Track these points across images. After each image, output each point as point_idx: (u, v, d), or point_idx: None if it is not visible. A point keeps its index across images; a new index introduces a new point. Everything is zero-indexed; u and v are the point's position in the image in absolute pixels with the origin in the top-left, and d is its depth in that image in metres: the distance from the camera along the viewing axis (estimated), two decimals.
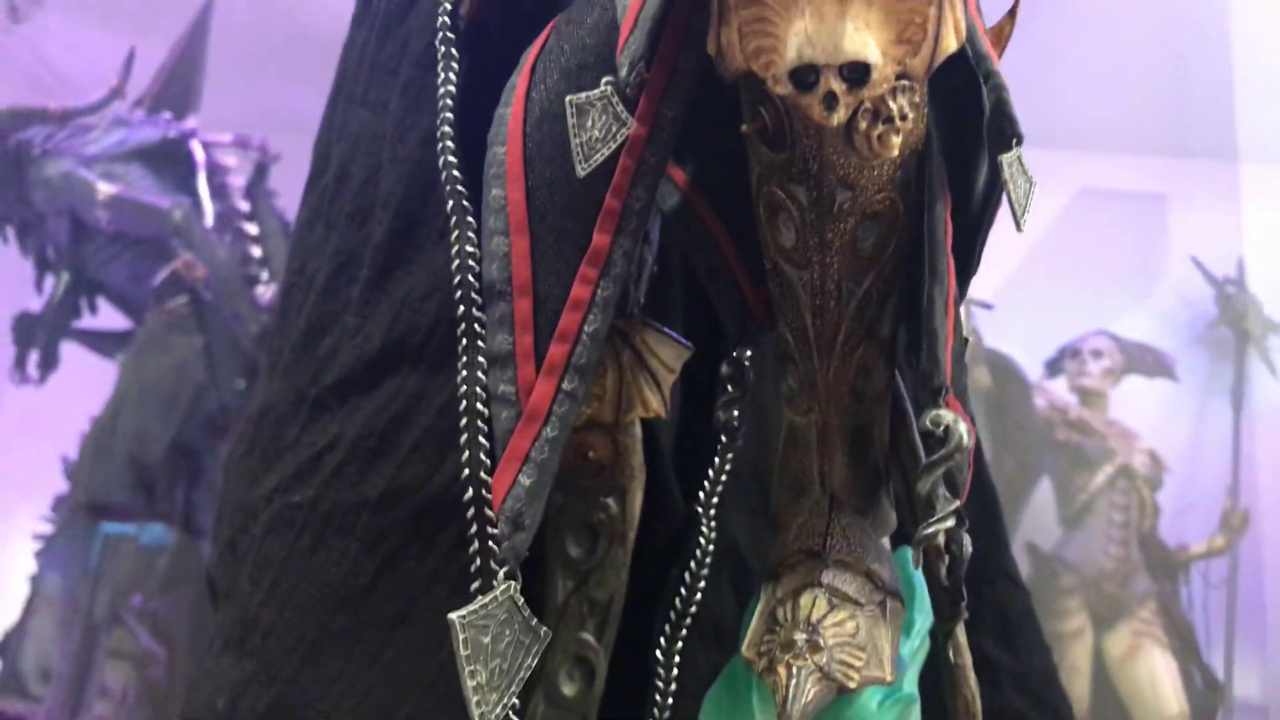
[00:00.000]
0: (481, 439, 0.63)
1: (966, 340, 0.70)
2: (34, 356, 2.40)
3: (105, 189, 2.16)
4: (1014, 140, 0.61)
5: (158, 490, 2.12)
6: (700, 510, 0.78)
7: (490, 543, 0.59)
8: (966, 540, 0.61)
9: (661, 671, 0.74)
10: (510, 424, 0.61)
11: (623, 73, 0.58)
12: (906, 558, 0.66)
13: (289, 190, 2.58)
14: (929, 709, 0.65)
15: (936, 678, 0.64)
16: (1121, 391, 2.51)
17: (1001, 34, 0.80)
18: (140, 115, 2.43)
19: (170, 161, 2.35)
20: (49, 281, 2.36)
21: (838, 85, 0.54)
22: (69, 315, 2.41)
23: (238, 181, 2.42)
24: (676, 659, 0.75)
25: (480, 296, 0.67)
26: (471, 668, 0.54)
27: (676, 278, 0.80)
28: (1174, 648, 2.07)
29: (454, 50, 0.77)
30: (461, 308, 0.68)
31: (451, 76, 0.77)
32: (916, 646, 0.67)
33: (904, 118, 0.58)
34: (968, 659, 0.64)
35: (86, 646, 2.06)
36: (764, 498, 0.73)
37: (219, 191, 2.39)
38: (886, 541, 0.66)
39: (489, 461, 0.62)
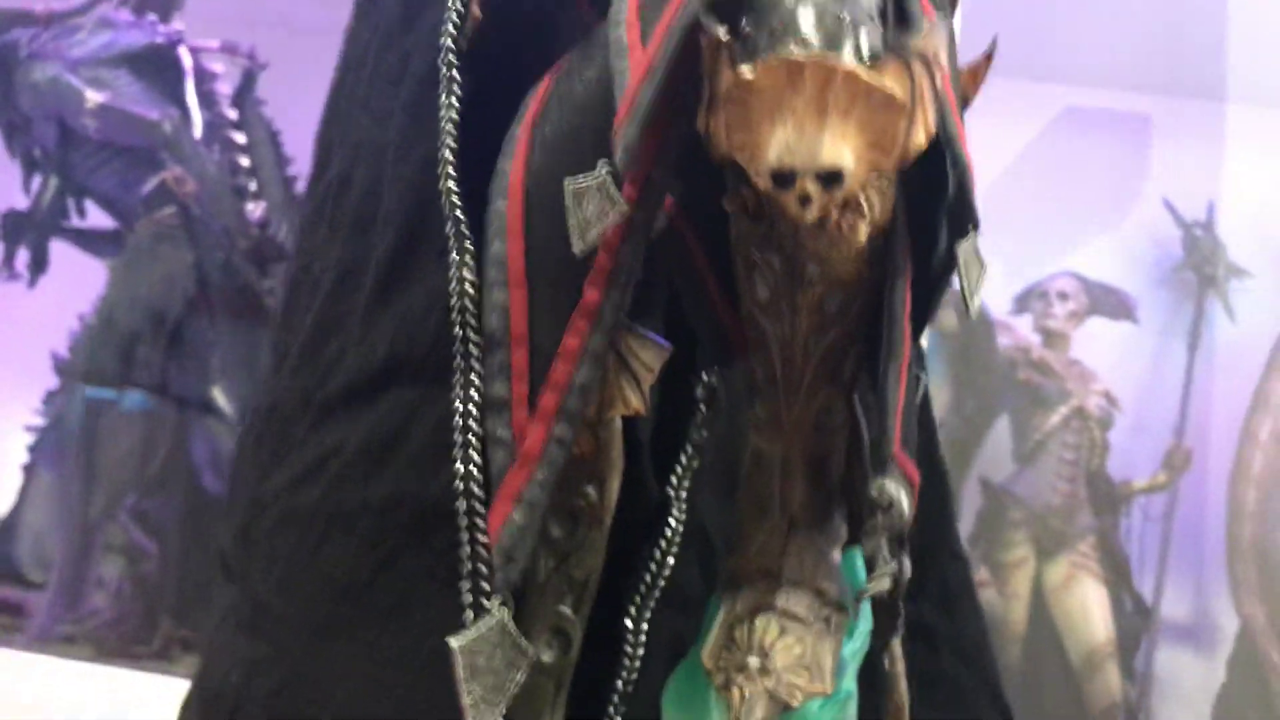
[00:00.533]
0: (474, 469, 0.71)
1: (920, 383, 0.78)
2: (22, 255, 2.44)
3: (94, 97, 2.17)
4: (971, 227, 0.68)
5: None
6: (672, 494, 0.86)
7: (483, 571, 0.67)
8: (906, 564, 0.70)
9: (630, 638, 0.84)
10: (504, 465, 0.69)
11: (617, 157, 0.64)
12: (855, 561, 0.75)
13: (277, 96, 2.59)
14: (867, 701, 0.75)
15: (875, 669, 0.75)
16: (1084, 331, 2.61)
17: (976, 76, 0.86)
18: (127, 16, 2.42)
19: (157, 67, 2.36)
20: (36, 182, 2.39)
21: (813, 188, 0.61)
22: (57, 216, 2.45)
23: (225, 89, 2.43)
24: (645, 626, 0.85)
25: (476, 320, 0.74)
26: (468, 686, 0.63)
27: (660, 279, 0.87)
28: (1108, 579, 2.22)
29: (456, 74, 0.82)
30: (458, 330, 0.75)
31: (454, 101, 0.82)
32: (858, 647, 0.77)
33: (873, 208, 0.64)
34: (901, 667, 0.74)
35: (83, 541, 2.17)
36: (729, 480, 0.82)
37: (206, 99, 2.40)
38: (837, 553, 0.75)
39: (483, 495, 0.70)
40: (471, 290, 0.75)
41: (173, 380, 2.17)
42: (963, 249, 0.66)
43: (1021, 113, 3.05)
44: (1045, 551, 2.32)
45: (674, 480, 0.90)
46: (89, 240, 2.45)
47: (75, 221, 2.43)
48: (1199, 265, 2.77)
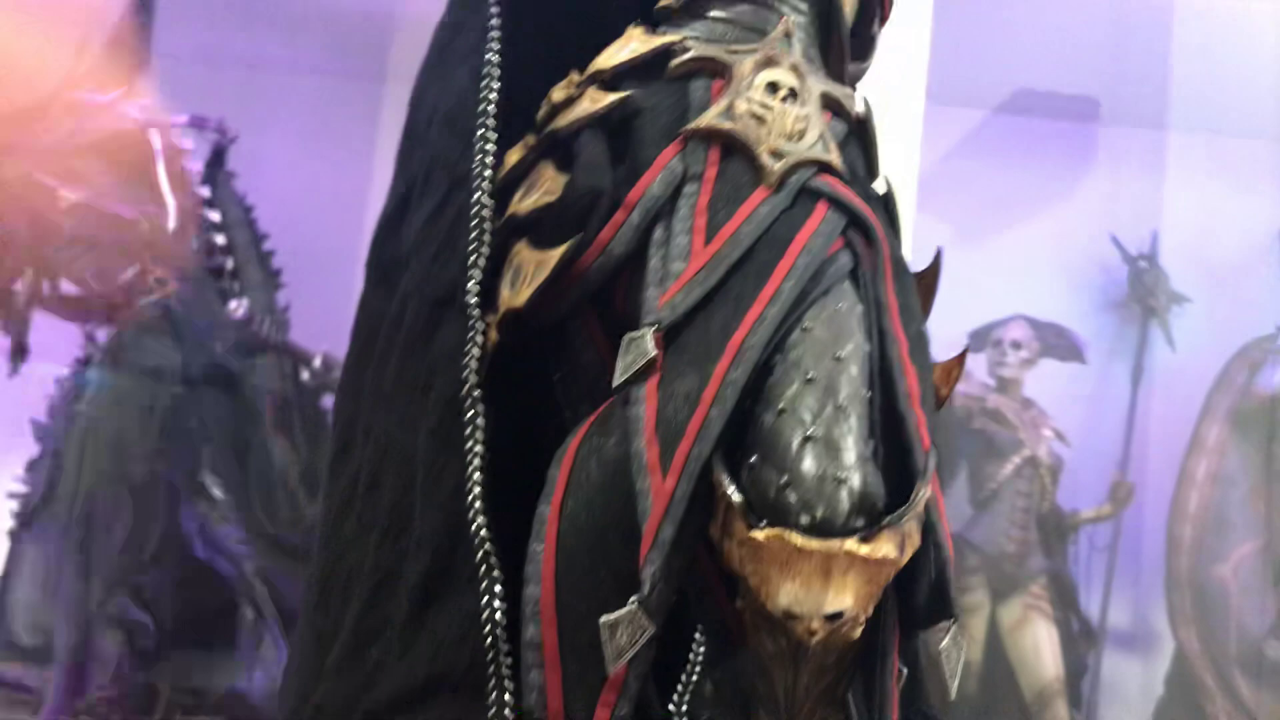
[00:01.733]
0: None
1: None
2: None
3: (68, 197, 2.18)
4: (949, 618, 0.80)
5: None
6: (673, 710, 0.98)
7: None
8: None
9: None
10: None
11: (645, 589, 0.75)
12: None
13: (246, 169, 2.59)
14: None
15: None
16: (1034, 373, 2.76)
17: (950, 375, 0.97)
18: (92, 96, 2.41)
19: (127, 150, 2.36)
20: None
21: (818, 624, 0.73)
22: (34, 300, 2.46)
23: (195, 165, 2.44)
24: None
25: (507, 644, 0.84)
26: None
27: None
28: (1058, 618, 2.40)
29: (480, 408, 0.90)
30: (491, 655, 0.85)
31: (479, 435, 0.90)
32: None
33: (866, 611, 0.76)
34: None
35: (84, 628, 2.25)
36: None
37: (177, 180, 2.41)
38: None
39: None
40: (501, 618, 0.86)
41: (162, 468, 2.23)
42: (943, 645, 0.78)
43: (965, 139, 3.15)
44: (999, 594, 2.50)
45: (675, 699, 1.02)
46: (66, 306, 2.48)
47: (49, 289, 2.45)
48: (1143, 297, 2.92)
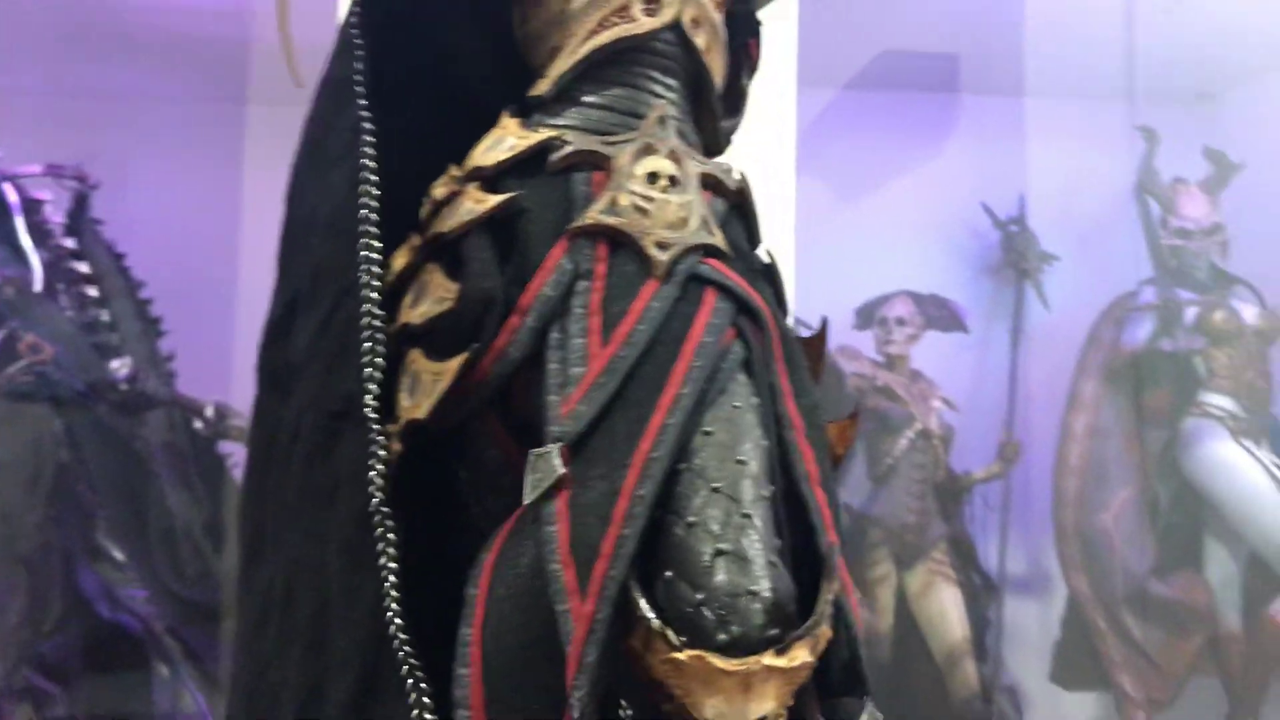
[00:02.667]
0: None
1: None
2: None
3: None
4: (864, 693, 0.85)
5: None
6: None
7: None
8: None
9: None
10: None
11: (575, 713, 0.77)
12: None
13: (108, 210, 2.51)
14: None
15: None
16: (920, 346, 2.87)
17: (845, 435, 1.03)
18: None
19: None
20: None
21: None
22: None
23: (57, 216, 2.37)
24: None
25: None
26: None
27: None
28: (960, 581, 2.53)
29: (389, 523, 0.92)
30: None
31: (390, 547, 0.92)
32: None
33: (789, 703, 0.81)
34: None
35: None
36: None
37: (38, 232, 2.34)
38: None
39: None
40: None
41: (55, 537, 2.17)
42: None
43: (839, 118, 3.23)
44: (904, 563, 2.62)
45: None
46: None
47: None
48: (1016, 261, 3.05)
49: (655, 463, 0.82)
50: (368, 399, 0.93)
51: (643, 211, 0.93)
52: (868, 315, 2.90)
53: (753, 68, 1.17)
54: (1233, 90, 3.19)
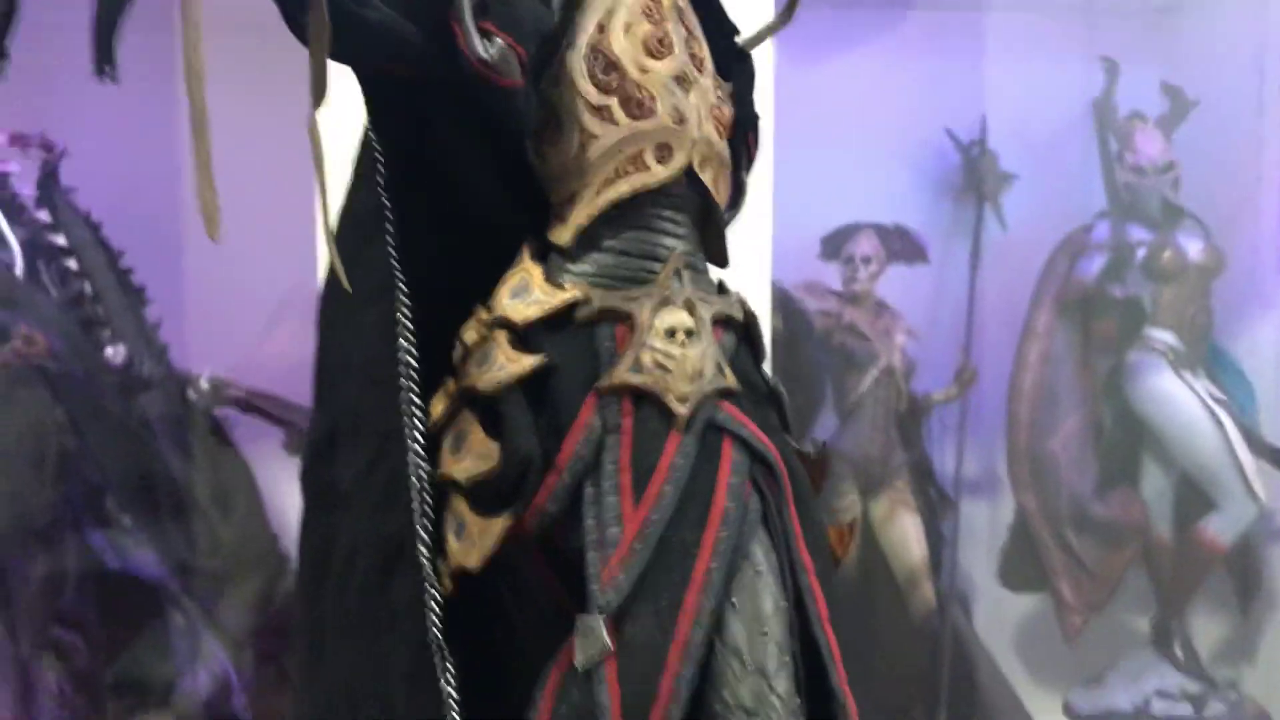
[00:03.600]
0: None
1: None
2: None
3: None
4: None
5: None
6: None
7: None
8: None
9: None
10: None
11: None
12: None
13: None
14: None
15: None
16: (883, 278, 2.99)
17: (843, 539, 1.17)
18: None
19: None
20: None
21: None
22: None
23: (26, 189, 2.36)
24: None
25: None
26: None
27: None
28: (920, 508, 2.74)
29: (448, 655, 1.04)
30: None
31: (450, 677, 1.05)
32: None
33: None
34: None
35: (21, 676, 2.33)
36: None
37: (10, 207, 2.33)
38: None
39: None
40: None
41: (66, 513, 2.25)
42: None
43: (805, 39, 3.21)
44: (869, 493, 2.82)
45: None
46: None
47: None
48: (977, 184, 3.14)
49: (694, 645, 0.96)
50: (420, 547, 1.03)
51: (664, 368, 1.03)
52: (833, 248, 3.00)
53: (751, 159, 1.25)
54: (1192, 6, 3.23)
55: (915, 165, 3.29)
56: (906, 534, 2.81)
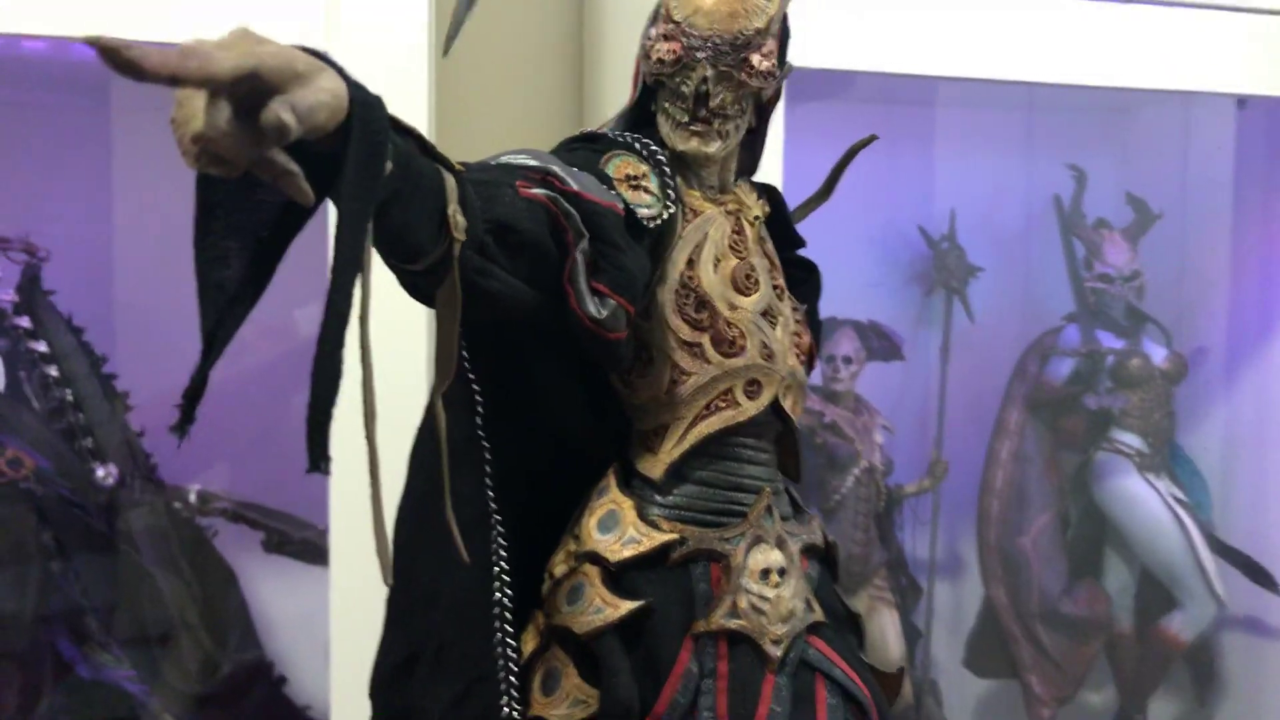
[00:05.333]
0: None
1: None
2: None
3: None
4: None
5: None
6: None
7: None
8: None
9: None
10: None
11: None
12: None
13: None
14: None
15: None
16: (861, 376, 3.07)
17: (893, 688, 1.22)
18: None
19: None
20: None
21: None
22: None
23: (5, 294, 2.29)
24: None
25: None
26: None
27: None
28: (896, 602, 2.82)
29: None
30: None
31: None
32: None
33: None
34: None
35: None
36: None
37: None
38: None
39: None
40: None
41: (45, 635, 2.19)
42: None
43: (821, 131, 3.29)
44: (849, 590, 2.87)
45: None
46: None
47: None
48: (946, 280, 3.25)
49: None
50: None
51: (759, 611, 1.08)
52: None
53: (813, 361, 1.29)
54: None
55: (885, 258, 3.39)
56: (885, 631, 2.88)
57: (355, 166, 0.68)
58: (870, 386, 3.15)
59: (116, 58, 0.53)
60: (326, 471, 0.72)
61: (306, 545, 2.44)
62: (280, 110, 0.60)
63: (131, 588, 2.22)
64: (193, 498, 2.33)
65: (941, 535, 3.21)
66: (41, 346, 2.28)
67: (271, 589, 2.59)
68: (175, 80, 0.56)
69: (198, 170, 0.64)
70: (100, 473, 2.18)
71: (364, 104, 0.70)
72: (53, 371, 2.28)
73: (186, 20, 1.72)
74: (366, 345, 0.77)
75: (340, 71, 0.69)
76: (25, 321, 2.27)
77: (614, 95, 2.43)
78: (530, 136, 1.90)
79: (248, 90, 0.61)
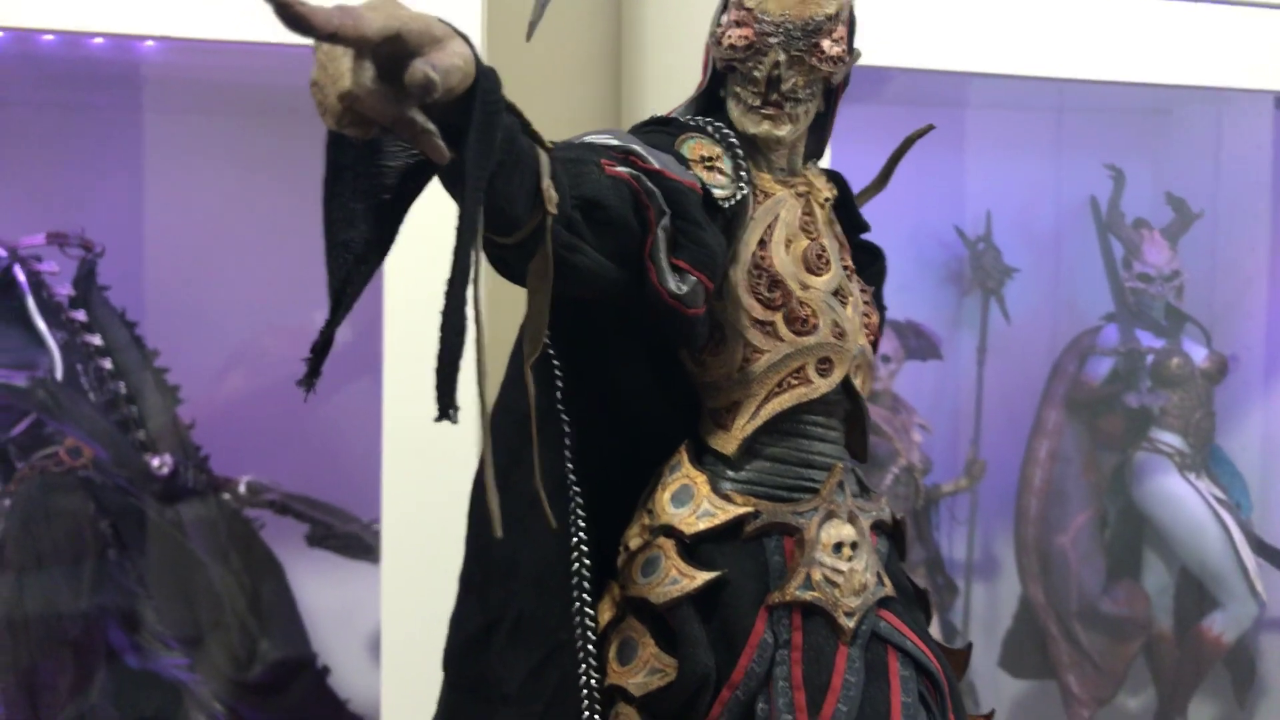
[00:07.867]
0: None
1: None
2: None
3: None
4: None
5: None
6: None
7: None
8: None
9: None
10: None
11: None
12: None
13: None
14: None
15: None
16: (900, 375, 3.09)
17: (959, 664, 1.23)
18: None
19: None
20: None
21: None
22: None
23: (63, 289, 2.35)
24: None
25: None
26: None
27: None
28: (934, 600, 2.83)
29: None
30: None
31: None
32: None
33: None
34: None
35: None
36: None
37: (49, 310, 2.32)
38: None
39: None
40: None
41: (101, 623, 2.23)
42: None
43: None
44: None
45: None
46: None
47: None
48: (983, 281, 3.27)
49: None
50: None
51: (833, 583, 1.11)
52: None
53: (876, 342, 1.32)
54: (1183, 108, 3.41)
55: (920, 259, 3.42)
56: None
57: (477, 131, 0.71)
58: (907, 386, 3.17)
59: (288, 11, 0.57)
60: (454, 420, 0.76)
61: (350, 539, 2.49)
62: (425, 68, 0.63)
63: (184, 577, 2.27)
64: (242, 489, 2.38)
65: (978, 535, 3.23)
66: (97, 340, 2.33)
67: (315, 583, 2.63)
68: (335, 37, 0.60)
69: (338, 129, 0.68)
70: (155, 463, 2.23)
71: (484, 74, 0.73)
72: (107, 364, 2.34)
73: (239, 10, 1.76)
74: (479, 308, 0.80)
75: (466, 40, 0.73)
76: (81, 315, 2.33)
77: (652, 104, 2.47)
78: None
79: (389, 51, 0.64)
